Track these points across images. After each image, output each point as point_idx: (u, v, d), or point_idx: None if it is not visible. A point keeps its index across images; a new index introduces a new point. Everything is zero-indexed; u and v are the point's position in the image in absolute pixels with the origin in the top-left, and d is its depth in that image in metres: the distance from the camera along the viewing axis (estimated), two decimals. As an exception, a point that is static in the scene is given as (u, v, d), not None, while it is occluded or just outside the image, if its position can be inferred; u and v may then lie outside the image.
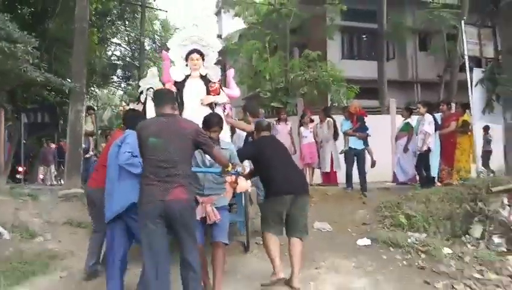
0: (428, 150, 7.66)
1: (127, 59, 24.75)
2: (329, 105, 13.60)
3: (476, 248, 5.43)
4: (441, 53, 17.57)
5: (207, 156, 4.06)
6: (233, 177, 4.19)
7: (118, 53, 25.30)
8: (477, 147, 8.34)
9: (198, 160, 4.20)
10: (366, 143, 8.13)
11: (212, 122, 4.23)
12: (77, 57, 9.35)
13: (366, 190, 7.86)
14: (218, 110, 5.48)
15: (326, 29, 16.20)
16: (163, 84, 5.79)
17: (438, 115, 8.42)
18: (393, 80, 18.06)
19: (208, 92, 5.55)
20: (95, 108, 13.10)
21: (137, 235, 3.93)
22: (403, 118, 9.00)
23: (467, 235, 5.86)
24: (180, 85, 5.58)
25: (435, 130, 7.87)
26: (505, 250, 5.35)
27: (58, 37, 12.84)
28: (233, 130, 6.28)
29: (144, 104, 6.06)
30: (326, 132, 9.37)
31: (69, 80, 9.49)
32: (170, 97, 3.87)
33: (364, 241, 5.73)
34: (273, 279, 4.25)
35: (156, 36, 28.72)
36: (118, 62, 24.84)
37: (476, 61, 9.02)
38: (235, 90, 6.06)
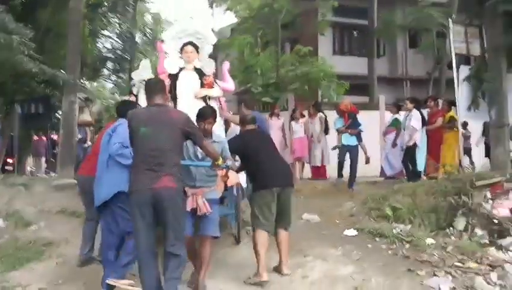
0: (415, 145, 7.83)
1: (118, 52, 24.65)
2: (318, 100, 13.73)
3: (459, 240, 5.62)
4: (431, 50, 17.76)
5: (199, 148, 4.07)
6: (224, 171, 4.22)
7: (108, 46, 25.21)
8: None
9: (190, 152, 4.21)
10: (359, 139, 8.20)
11: (206, 113, 4.24)
12: (72, 49, 9.38)
13: (353, 187, 7.97)
14: (212, 103, 5.46)
15: (318, 25, 16.29)
16: (157, 76, 5.77)
17: (425, 111, 8.62)
18: (383, 77, 18.24)
19: (202, 86, 5.53)
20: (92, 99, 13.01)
21: (121, 225, 4.04)
22: (391, 114, 9.21)
23: (451, 228, 6.01)
24: (174, 77, 5.56)
25: (422, 126, 8.06)
26: (487, 242, 5.48)
27: (48, 27, 12.73)
28: (227, 126, 6.25)
29: (137, 96, 6.08)
30: (318, 127, 9.51)
31: (63, 71, 9.51)
32: (160, 87, 3.87)
33: (351, 232, 5.86)
34: (256, 280, 4.33)
35: (147, 29, 28.60)
36: (108, 55, 24.74)
37: (466, 59, 9.20)
38: (229, 83, 6.03)
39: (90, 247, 4.89)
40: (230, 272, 4.64)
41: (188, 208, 4.02)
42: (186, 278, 4.21)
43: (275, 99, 13.16)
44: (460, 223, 5.99)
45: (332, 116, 9.05)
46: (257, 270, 4.36)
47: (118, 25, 22.99)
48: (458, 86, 7.96)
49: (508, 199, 6.01)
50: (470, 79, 8.01)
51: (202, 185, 4.22)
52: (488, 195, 6.18)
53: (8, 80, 11.39)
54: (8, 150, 12.90)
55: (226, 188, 4.83)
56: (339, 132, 8.35)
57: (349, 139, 8.13)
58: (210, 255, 4.22)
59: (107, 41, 24.84)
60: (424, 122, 8.14)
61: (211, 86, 5.59)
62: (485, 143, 10.15)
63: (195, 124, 4.04)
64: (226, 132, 5.95)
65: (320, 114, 9.62)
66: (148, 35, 28.54)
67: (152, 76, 5.84)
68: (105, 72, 25.61)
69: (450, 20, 8.65)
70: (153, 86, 3.84)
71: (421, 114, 8.12)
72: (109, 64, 25.03)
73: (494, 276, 4.30)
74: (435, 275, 4.38)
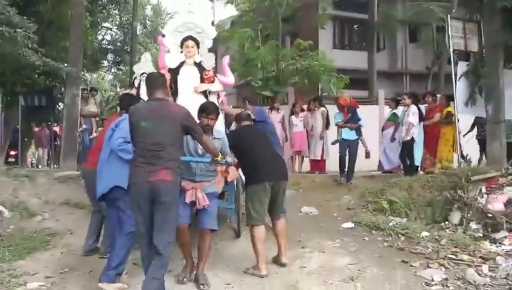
0: (412, 140, 7.91)
1: (118, 44, 24.63)
2: (319, 94, 13.79)
3: (453, 233, 5.75)
4: (430, 45, 17.76)
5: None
6: (224, 166, 4.27)
7: (108, 37, 25.20)
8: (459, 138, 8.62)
9: (191, 148, 4.24)
10: (359, 133, 8.19)
11: (210, 109, 4.27)
12: (74, 42, 9.46)
13: (351, 181, 8.02)
14: (213, 98, 5.51)
15: (318, 19, 16.30)
16: (158, 70, 5.74)
17: (423, 106, 8.70)
18: (382, 71, 18.30)
19: (202, 80, 5.54)
20: (97, 90, 13.03)
21: (114, 220, 4.12)
22: (390, 109, 9.31)
23: (446, 221, 6.16)
24: (174, 72, 5.56)
25: (420, 121, 8.15)
26: (482, 235, 5.60)
27: (49, 20, 12.77)
28: (228, 122, 6.23)
29: (138, 89, 6.08)
30: (320, 121, 9.57)
31: (66, 64, 9.58)
32: (161, 82, 3.87)
33: (348, 225, 6.03)
34: (255, 272, 4.41)
35: (147, 21, 28.53)
36: (108, 47, 24.72)
37: (465, 55, 9.25)
38: (230, 77, 5.98)
39: (95, 238, 5.01)
40: (229, 264, 4.75)
41: (188, 201, 4.12)
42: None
43: (275, 93, 13.21)
44: (455, 217, 6.13)
45: (332, 110, 9.11)
46: (256, 264, 4.46)
47: (118, 17, 22.98)
48: (456, 81, 8.05)
49: (502, 193, 6.13)
50: (467, 74, 8.10)
51: (202, 179, 4.28)
52: (484, 189, 6.32)
53: (7, 72, 11.43)
54: (11, 142, 12.99)
55: (226, 182, 4.86)
56: (339, 126, 8.40)
57: (348, 134, 8.15)
58: (209, 249, 4.30)
59: (108, 33, 24.91)
60: (422, 118, 8.22)
61: (211, 81, 5.60)
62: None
63: (197, 118, 4.09)
64: (228, 126, 6.00)
65: (322, 108, 9.67)
66: (148, 27, 28.53)
67: (153, 69, 5.85)
68: (106, 63, 25.67)
69: (448, 15, 8.74)
70: (154, 81, 3.84)
71: (419, 109, 8.20)
72: (109, 56, 25.06)
73: (485, 268, 4.42)
74: (428, 266, 4.52)
